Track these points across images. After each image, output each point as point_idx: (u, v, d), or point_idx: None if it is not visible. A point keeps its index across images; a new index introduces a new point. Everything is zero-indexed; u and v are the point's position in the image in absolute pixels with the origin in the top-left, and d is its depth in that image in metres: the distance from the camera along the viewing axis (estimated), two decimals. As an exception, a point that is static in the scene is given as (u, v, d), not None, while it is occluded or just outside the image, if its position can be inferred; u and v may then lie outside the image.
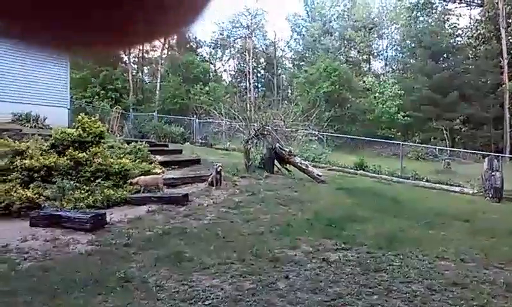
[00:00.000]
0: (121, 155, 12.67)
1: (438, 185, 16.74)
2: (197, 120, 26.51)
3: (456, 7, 39.24)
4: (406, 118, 33.80)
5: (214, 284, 5.25)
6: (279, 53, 49.93)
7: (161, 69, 38.45)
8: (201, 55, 45.50)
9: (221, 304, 4.76)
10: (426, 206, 11.50)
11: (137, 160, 12.90)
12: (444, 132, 30.98)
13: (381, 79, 40.95)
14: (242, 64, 48.56)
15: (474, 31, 35.88)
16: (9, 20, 0.49)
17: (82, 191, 9.65)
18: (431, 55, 35.28)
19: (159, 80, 37.33)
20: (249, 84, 45.23)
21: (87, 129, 11.21)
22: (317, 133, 20.47)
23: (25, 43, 0.56)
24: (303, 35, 48.75)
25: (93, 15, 0.49)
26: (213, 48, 48.67)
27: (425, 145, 29.22)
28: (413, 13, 39.62)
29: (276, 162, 14.95)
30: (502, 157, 17.55)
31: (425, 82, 33.77)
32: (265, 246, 6.81)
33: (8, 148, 10.25)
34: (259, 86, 50.04)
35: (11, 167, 9.74)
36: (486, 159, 15.29)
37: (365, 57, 45.75)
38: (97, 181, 10.20)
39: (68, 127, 12.90)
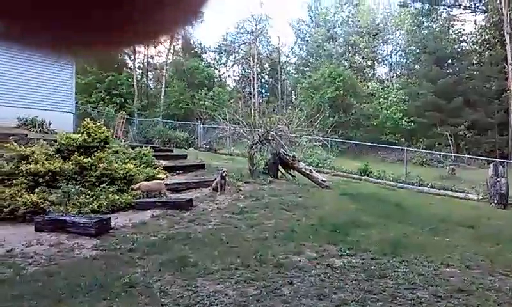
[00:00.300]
0: (126, 160, 12.70)
1: (442, 191, 16.69)
2: (201, 125, 26.56)
3: (460, 13, 39.30)
4: (410, 123, 33.73)
5: (218, 290, 5.24)
6: (283, 58, 50.03)
7: (166, 74, 38.55)
8: (206, 61, 45.60)
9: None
10: (431, 212, 11.46)
11: (142, 165, 12.94)
12: (449, 137, 30.89)
13: (385, 85, 40.93)
14: (246, 70, 48.62)
15: (479, 37, 35.87)
16: (9, 21, 0.50)
17: (87, 196, 9.68)
18: (436, 60, 35.25)
19: (163, 86, 37.41)
20: (254, 89, 45.26)
21: (92, 134, 11.25)
22: (321, 138, 20.46)
23: (26, 45, 0.57)
24: (307, 41, 48.78)
25: (92, 14, 0.50)
26: (218, 54, 48.80)
27: (429, 151, 29.14)
28: (417, 18, 39.64)
29: (280, 167, 14.93)
30: (507, 162, 17.48)
31: (430, 87, 33.70)
32: (269, 252, 6.81)
33: (13, 152, 10.30)
34: (263, 91, 50.06)
35: (17, 171, 9.78)
36: (491, 165, 15.22)
37: (369, 62, 45.71)
38: (102, 186, 10.23)
39: (73, 132, 12.95)
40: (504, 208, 13.50)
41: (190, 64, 38.56)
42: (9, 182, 9.61)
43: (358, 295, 5.15)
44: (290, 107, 23.22)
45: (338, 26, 47.81)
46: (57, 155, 10.87)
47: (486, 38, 34.63)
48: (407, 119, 33.89)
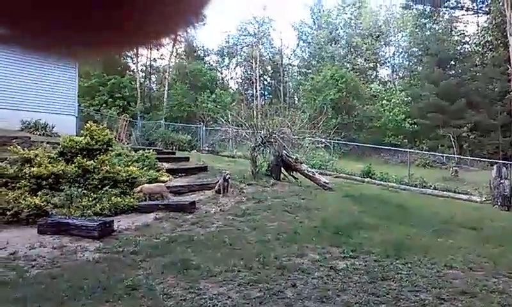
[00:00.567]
0: (129, 163, 12.74)
1: (445, 192, 16.66)
2: (204, 128, 26.58)
3: (462, 15, 39.19)
4: (413, 125, 33.70)
5: (221, 292, 5.24)
6: (285, 61, 50.02)
7: (169, 77, 38.59)
8: (209, 64, 45.66)
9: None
10: (434, 214, 11.43)
11: (145, 168, 12.97)
12: (451, 139, 30.83)
13: (388, 86, 40.90)
14: (249, 72, 48.64)
15: (481, 39, 35.80)
16: (9, 23, 0.50)
17: (90, 199, 9.71)
18: (438, 62, 35.20)
19: (166, 88, 37.44)
20: (256, 91, 45.27)
21: (95, 137, 11.27)
22: (323, 140, 20.42)
23: (27, 47, 0.57)
24: (309, 43, 48.79)
25: (92, 15, 0.50)
26: (220, 56, 48.83)
27: (432, 152, 29.09)
28: (419, 20, 39.62)
29: (282, 169, 14.94)
30: (510, 164, 17.41)
31: (432, 89, 33.66)
32: (272, 254, 6.80)
33: (17, 155, 10.33)
34: (266, 93, 50.04)
35: (20, 174, 9.81)
36: (495, 167, 15.18)
37: (371, 64, 45.67)
38: (105, 188, 10.25)
39: (76, 135, 13.00)
40: (508, 210, 13.47)
41: (193, 67, 38.62)
42: (13, 185, 9.64)
43: (361, 297, 5.13)
44: (292, 109, 23.18)
45: (341, 28, 47.83)
46: (60, 158, 10.89)
47: (489, 39, 34.56)
48: (410, 121, 33.87)
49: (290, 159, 14.68)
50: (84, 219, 8.35)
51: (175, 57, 42.59)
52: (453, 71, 36.47)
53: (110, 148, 11.89)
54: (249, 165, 15.20)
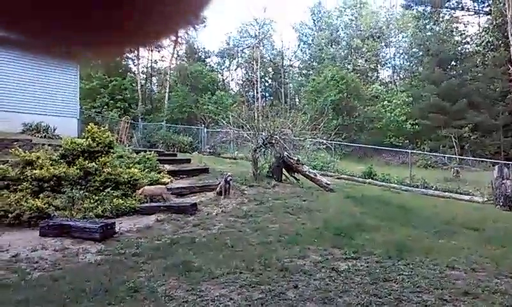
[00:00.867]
0: (130, 165, 12.76)
1: (447, 193, 16.63)
2: (205, 129, 26.60)
3: (463, 15, 39.19)
4: (414, 126, 33.67)
5: (222, 294, 5.24)
6: (286, 62, 50.07)
7: (170, 79, 38.63)
8: (209, 65, 45.71)
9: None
10: (435, 215, 11.43)
11: (146, 170, 12.98)
12: (453, 139, 30.79)
13: (389, 87, 40.89)
14: (249, 74, 48.67)
15: (482, 39, 35.76)
16: (8, 22, 0.50)
17: (92, 201, 9.73)
18: (439, 63, 35.15)
19: (167, 90, 37.48)
20: (257, 93, 45.29)
21: (96, 139, 11.30)
22: (325, 141, 20.41)
23: (25, 48, 0.57)
24: (310, 44, 48.82)
25: (92, 15, 0.50)
26: (221, 58, 48.88)
27: (434, 153, 29.05)
28: (420, 21, 39.61)
29: (284, 170, 14.94)
30: (512, 164, 17.38)
31: (433, 89, 33.61)
32: (274, 255, 6.80)
33: (18, 158, 10.35)
34: (267, 95, 50.09)
35: (22, 177, 9.83)
36: (496, 167, 15.15)
37: (372, 65, 45.65)
38: (106, 190, 10.27)
39: (78, 137, 13.03)
40: (510, 210, 13.43)
41: (194, 69, 38.66)
42: (15, 187, 9.66)
43: (363, 298, 5.13)
44: (293, 111, 23.18)
45: (342, 29, 47.85)
46: (61, 160, 10.92)
47: (490, 39, 34.52)
48: (411, 122, 33.83)
49: (291, 160, 14.68)
50: (85, 221, 8.36)
51: (176, 59, 42.65)
52: (454, 72, 36.43)
53: (111, 150, 11.92)
54: (250, 166, 15.22)
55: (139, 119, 31.82)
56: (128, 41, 0.63)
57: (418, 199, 15.03)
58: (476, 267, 6.52)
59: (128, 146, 19.63)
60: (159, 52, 40.59)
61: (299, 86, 45.08)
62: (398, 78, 45.59)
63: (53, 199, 9.47)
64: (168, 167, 14.89)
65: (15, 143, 12.43)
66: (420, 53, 40.60)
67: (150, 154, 14.48)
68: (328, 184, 14.26)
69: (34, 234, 8.07)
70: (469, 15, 39.25)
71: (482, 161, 25.14)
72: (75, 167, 10.54)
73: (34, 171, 9.88)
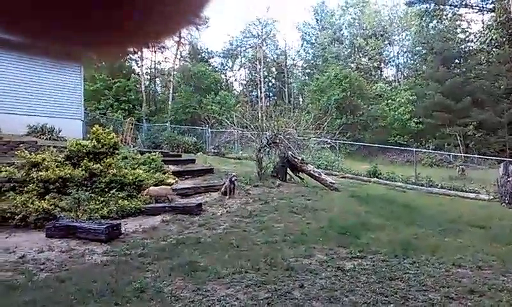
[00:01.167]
0: (135, 166, 12.79)
1: (452, 191, 16.59)
2: (209, 130, 26.63)
3: (466, 13, 39.07)
4: (418, 124, 33.60)
5: (229, 294, 5.24)
6: (289, 62, 50.06)
7: (173, 80, 38.71)
8: (213, 66, 45.77)
9: (237, 314, 4.75)
10: (441, 213, 11.39)
11: (151, 171, 13.01)
12: (458, 137, 30.70)
13: (392, 86, 40.81)
14: (253, 74, 48.69)
15: (486, 36, 35.63)
16: (8, 23, 0.51)
17: (97, 202, 9.75)
18: (443, 60, 35.07)
19: (171, 91, 37.58)
20: (261, 92, 45.31)
21: (101, 140, 11.32)
22: (329, 140, 20.40)
23: (26, 49, 0.57)
24: (313, 43, 48.79)
25: (92, 15, 0.51)
26: (224, 58, 48.92)
27: (438, 151, 28.99)
28: (423, 18, 39.51)
29: (288, 170, 14.93)
30: (517, 162, 17.29)
31: (437, 88, 33.52)
32: (279, 255, 6.81)
33: (24, 160, 10.39)
34: (270, 94, 50.11)
35: (28, 179, 9.87)
36: (502, 165, 15.08)
37: (376, 64, 45.61)
38: (112, 192, 10.30)
39: (83, 139, 13.07)
40: (515, 208, 13.37)
41: (197, 69, 38.73)
42: (21, 189, 9.70)
43: (369, 297, 5.12)
44: (297, 110, 23.18)
45: (345, 28, 47.82)
46: (67, 162, 10.95)
47: (494, 37, 34.40)
48: (415, 120, 33.78)
49: (295, 160, 14.67)
50: (91, 222, 8.39)
51: (180, 59, 42.74)
52: (458, 70, 36.32)
53: (116, 151, 11.94)
54: (255, 166, 15.22)
55: (144, 121, 31.95)
56: (129, 42, 0.63)
57: (423, 197, 14.99)
58: (482, 264, 6.50)
59: (133, 147, 19.68)
60: (162, 53, 40.73)
61: (303, 85, 45.09)
62: (402, 76, 45.50)
63: (59, 201, 9.50)
64: (172, 167, 14.92)
65: (21, 145, 12.49)
66: (424, 51, 40.51)
67: (155, 155, 14.51)
68: (333, 183, 14.24)
69: (41, 235, 8.11)
70: (473, 12, 39.13)
71: (487, 159, 25.06)
72: (80, 168, 10.57)
73: (40, 173, 9.92)
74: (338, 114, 33.23)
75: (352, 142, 29.60)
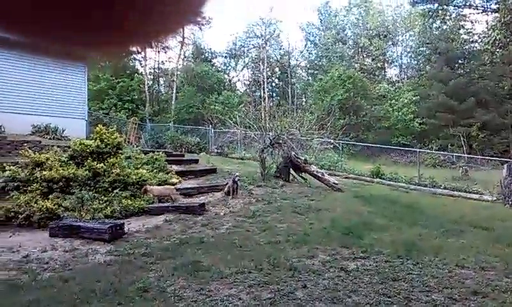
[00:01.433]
0: (139, 166, 12.81)
1: (456, 192, 16.54)
2: (212, 130, 26.63)
3: (470, 13, 38.93)
4: (421, 125, 33.54)
5: (232, 294, 5.25)
6: (293, 62, 50.01)
7: (177, 80, 38.75)
8: (216, 66, 45.78)
9: (240, 314, 4.76)
10: (444, 214, 11.36)
11: (155, 170, 13.04)
12: (461, 138, 30.62)
13: (396, 86, 40.75)
14: (256, 74, 48.68)
15: (490, 37, 35.48)
16: (9, 22, 0.51)
17: (101, 201, 9.78)
18: (446, 61, 34.99)
19: (174, 91, 37.61)
20: (264, 93, 45.30)
21: (105, 140, 11.35)
22: (332, 141, 20.39)
23: (26, 48, 0.58)
24: (317, 44, 48.75)
25: (92, 15, 0.51)
26: (227, 58, 48.92)
27: (442, 152, 28.92)
28: (427, 19, 39.40)
29: (291, 170, 14.93)
30: (521, 163, 17.20)
31: (441, 88, 33.45)
32: (282, 255, 6.81)
33: (28, 159, 10.43)
34: (273, 95, 50.10)
35: (31, 178, 9.91)
36: (505, 166, 15.02)
37: (379, 64, 45.55)
38: (115, 191, 10.32)
39: (86, 138, 13.10)
40: (519, 209, 13.33)
41: (200, 69, 38.74)
42: (24, 189, 9.74)
43: (372, 298, 5.12)
44: (300, 110, 23.16)
45: (349, 28, 47.77)
46: (70, 161, 10.98)
47: (498, 37, 34.25)
48: (418, 121, 33.72)
49: (298, 160, 14.66)
50: (95, 222, 8.41)
51: (183, 59, 42.77)
52: (462, 70, 36.24)
53: (120, 151, 11.97)
54: (258, 166, 15.23)
55: (147, 120, 31.98)
56: (130, 41, 0.64)
57: (426, 198, 14.96)
58: (485, 266, 6.48)
59: (137, 146, 19.71)
60: (165, 53, 40.82)
61: (306, 85, 45.05)
62: (405, 77, 45.42)
63: (62, 200, 9.54)
64: (175, 167, 14.94)
65: (25, 144, 12.53)
66: (428, 51, 40.42)
67: (158, 155, 14.53)
68: (336, 184, 14.23)
69: (44, 235, 8.15)
70: (477, 12, 38.98)
71: (490, 160, 24.98)
72: (84, 168, 10.60)
73: (44, 172, 9.95)
74: (342, 115, 33.19)
75: (355, 143, 29.55)
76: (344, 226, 8.92)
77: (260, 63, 46.17)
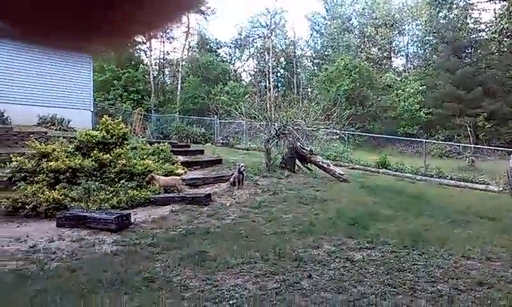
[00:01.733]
0: (144, 156, 12.84)
1: (462, 182, 16.47)
2: (218, 120, 26.63)
3: (478, 2, 38.52)
4: (428, 115, 33.34)
5: (238, 284, 5.27)
6: (298, 52, 49.76)
7: (182, 70, 38.70)
8: (221, 56, 45.65)
9: (246, 304, 4.78)
10: (450, 204, 11.32)
11: (160, 161, 13.06)
12: (468, 128, 30.44)
13: (402, 76, 40.49)
14: (261, 64, 48.51)
15: (498, 26, 35.16)
16: (10, 14, 0.51)
17: (107, 192, 9.83)
18: (453, 50, 34.67)
19: (179, 81, 37.59)
20: (269, 83, 45.16)
21: (110, 131, 11.38)
22: (338, 131, 20.34)
23: (26, 39, 0.58)
24: (322, 33, 48.45)
25: (92, 5, 0.51)
26: (233, 48, 48.75)
27: (448, 142, 28.78)
28: (434, 8, 39.05)
29: (297, 161, 14.92)
30: (528, 153, 17.10)
31: (448, 78, 33.19)
32: (288, 245, 6.82)
33: (34, 150, 10.48)
34: (279, 85, 49.93)
35: (38, 169, 9.97)
36: (512, 156, 14.95)
37: (385, 54, 45.25)
38: (121, 182, 10.37)
39: (92, 129, 13.14)
40: (526, 200, 13.26)
41: (205, 60, 38.66)
42: (31, 179, 9.81)
43: (377, 288, 5.13)
44: (306, 101, 23.05)
45: (355, 18, 47.44)
46: (77, 152, 11.03)
47: (505, 26, 33.93)
48: (425, 111, 33.52)
49: (304, 151, 14.64)
50: (101, 212, 8.46)
51: (188, 50, 42.69)
52: (469, 59, 35.93)
53: (125, 142, 12.00)
54: (263, 157, 15.22)
55: (152, 111, 32.01)
56: (131, 30, 0.63)
57: (432, 188, 14.91)
58: (491, 256, 6.47)
59: (142, 137, 19.76)
60: (170, 43, 40.78)
61: (312, 75, 44.85)
62: (411, 66, 45.09)
63: (69, 191, 9.60)
64: (181, 158, 14.97)
65: (31, 136, 12.59)
66: (435, 41, 40.08)
67: (164, 145, 14.55)
68: (342, 174, 14.20)
69: (51, 225, 8.21)
70: (484, 1, 38.57)
71: (497, 150, 24.83)
72: (90, 159, 10.65)
73: (50, 163, 10.01)
74: (347, 105, 33.06)
75: (361, 133, 29.45)
76: (350, 216, 8.91)
77: (266, 53, 46.01)
